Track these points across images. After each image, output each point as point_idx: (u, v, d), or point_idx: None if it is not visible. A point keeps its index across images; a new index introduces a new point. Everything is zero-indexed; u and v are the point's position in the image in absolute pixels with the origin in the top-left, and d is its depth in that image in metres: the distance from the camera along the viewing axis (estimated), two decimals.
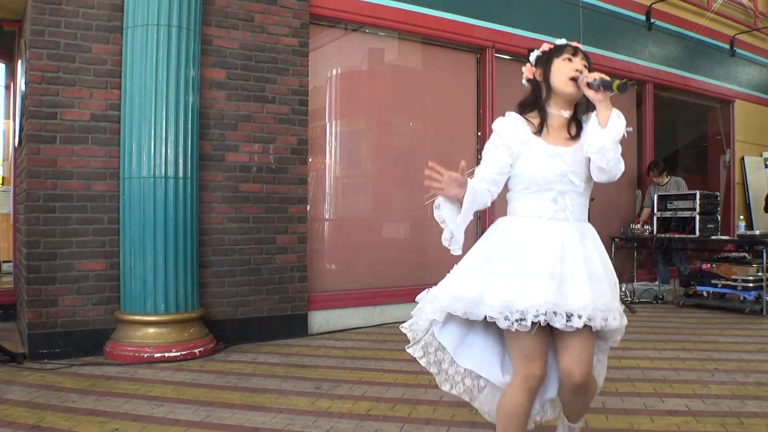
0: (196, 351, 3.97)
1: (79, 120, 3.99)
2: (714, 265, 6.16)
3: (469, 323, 2.00)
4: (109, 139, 4.06)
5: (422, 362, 2.06)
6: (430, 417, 2.84)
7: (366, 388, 3.32)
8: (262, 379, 3.51)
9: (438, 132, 5.87)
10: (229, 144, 4.48)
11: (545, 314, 1.79)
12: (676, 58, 7.84)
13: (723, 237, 6.44)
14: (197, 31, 4.18)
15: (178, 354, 3.89)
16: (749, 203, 8.75)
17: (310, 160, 4.96)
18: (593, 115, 1.95)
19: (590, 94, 1.92)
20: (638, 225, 6.84)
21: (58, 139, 3.94)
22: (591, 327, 1.83)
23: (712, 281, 5.99)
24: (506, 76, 6.20)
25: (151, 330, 3.91)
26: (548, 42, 2.10)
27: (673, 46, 7.81)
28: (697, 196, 6.30)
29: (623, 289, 6.61)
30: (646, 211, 7.09)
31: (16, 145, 5.28)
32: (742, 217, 7.48)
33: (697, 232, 6.23)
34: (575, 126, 2.03)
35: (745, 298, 5.72)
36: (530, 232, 1.92)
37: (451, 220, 1.91)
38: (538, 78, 2.06)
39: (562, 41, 2.08)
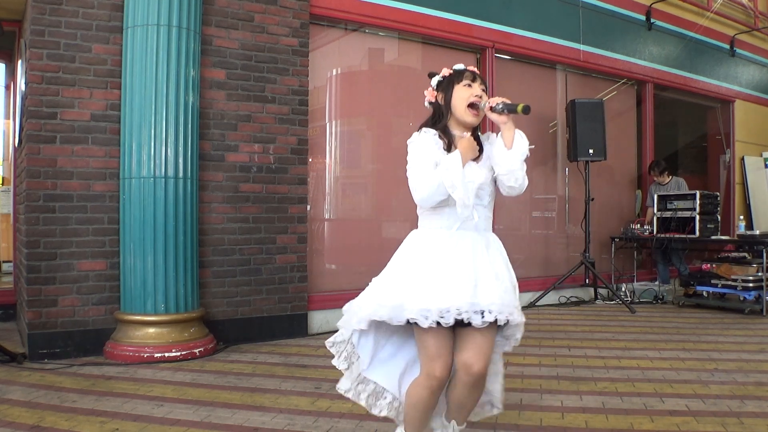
0: (196, 351, 3.97)
1: (79, 120, 3.99)
2: (714, 265, 6.16)
3: (380, 341, 2.18)
4: (109, 139, 4.07)
5: (344, 370, 2.20)
6: None
7: None
8: (262, 379, 3.51)
9: None
10: (229, 144, 4.48)
11: (466, 312, 1.94)
12: (676, 58, 7.84)
13: (723, 237, 6.43)
14: (197, 31, 4.18)
15: (178, 354, 3.89)
16: (749, 203, 8.75)
17: (310, 160, 4.96)
18: (498, 135, 2.11)
19: (494, 117, 2.07)
20: (637, 225, 6.84)
21: (58, 139, 3.94)
22: (494, 323, 2.00)
23: (712, 281, 5.99)
24: (506, 76, 6.20)
25: (151, 330, 3.91)
26: (447, 68, 2.21)
27: (673, 46, 7.81)
28: (697, 196, 6.30)
29: (623, 289, 6.62)
30: (650, 211, 7.08)
31: (16, 145, 5.29)
32: (742, 217, 7.48)
33: (697, 232, 6.22)
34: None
35: (745, 298, 5.72)
36: (442, 242, 2.07)
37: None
38: (440, 102, 2.19)
39: (461, 66, 2.20)
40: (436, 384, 2.04)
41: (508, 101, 2.05)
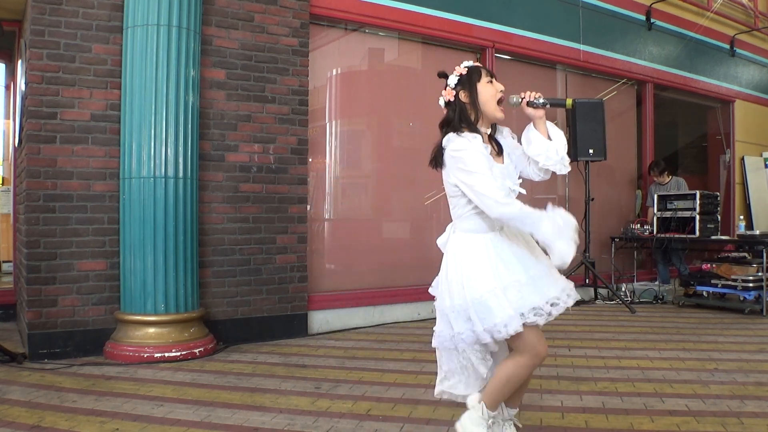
0: (196, 351, 3.97)
1: (79, 120, 3.99)
2: (714, 265, 6.16)
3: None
4: (109, 139, 4.06)
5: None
6: (430, 417, 2.83)
7: (366, 388, 3.32)
8: (262, 379, 3.51)
9: (438, 132, 5.86)
10: (229, 144, 4.48)
11: (564, 302, 2.12)
12: (676, 58, 7.84)
13: (723, 237, 6.43)
14: (197, 31, 4.18)
15: (178, 354, 3.89)
16: (749, 203, 8.75)
17: (310, 160, 4.96)
18: (529, 128, 2.18)
19: (530, 111, 2.16)
20: (637, 225, 6.83)
21: (58, 139, 3.94)
22: None
23: (712, 281, 5.98)
24: (506, 76, 6.18)
25: (151, 330, 3.91)
26: (459, 66, 2.24)
27: (673, 46, 7.81)
28: (697, 196, 6.30)
29: (623, 289, 6.62)
30: (650, 211, 7.07)
31: (16, 145, 5.29)
32: (742, 217, 7.48)
33: (697, 232, 6.23)
34: (495, 143, 2.26)
35: (745, 298, 5.71)
36: (505, 244, 2.17)
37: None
38: (464, 100, 2.21)
39: (470, 63, 2.24)
40: (539, 363, 2.17)
41: (542, 97, 2.15)
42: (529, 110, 2.16)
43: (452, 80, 2.22)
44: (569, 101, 2.15)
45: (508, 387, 2.20)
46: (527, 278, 2.11)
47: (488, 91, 2.18)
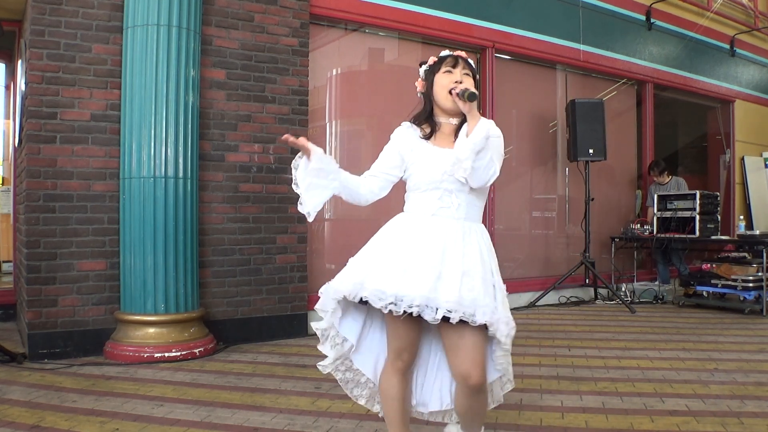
0: (196, 351, 3.97)
1: (79, 120, 3.99)
2: (714, 265, 6.16)
3: (366, 322, 2.15)
4: (109, 139, 4.07)
5: (329, 353, 2.11)
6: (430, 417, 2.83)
7: None
8: (262, 379, 3.51)
9: None
10: (229, 144, 4.48)
11: (419, 306, 1.86)
12: (676, 58, 7.84)
13: (723, 237, 6.43)
14: (197, 31, 4.18)
15: (178, 354, 3.89)
16: (749, 203, 8.75)
17: None
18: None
19: (460, 104, 2.00)
20: (637, 225, 6.84)
21: (58, 139, 3.94)
22: (480, 327, 1.89)
23: (712, 281, 5.99)
24: (506, 76, 6.19)
25: (151, 330, 3.91)
26: (434, 56, 2.18)
27: (673, 46, 7.81)
28: (697, 196, 6.30)
29: (623, 289, 6.62)
30: (650, 211, 7.07)
31: (16, 145, 5.29)
32: (742, 217, 7.48)
33: (697, 232, 6.23)
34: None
35: (745, 298, 5.72)
36: (415, 227, 2.03)
37: (302, 183, 2.01)
38: (426, 91, 2.16)
39: (445, 53, 2.16)
40: (401, 366, 2.06)
41: (469, 88, 1.99)
42: (459, 103, 1.98)
43: (421, 72, 2.20)
44: (466, 93, 1.94)
45: (391, 400, 2.08)
46: (415, 266, 1.90)
47: (441, 81, 2.07)
